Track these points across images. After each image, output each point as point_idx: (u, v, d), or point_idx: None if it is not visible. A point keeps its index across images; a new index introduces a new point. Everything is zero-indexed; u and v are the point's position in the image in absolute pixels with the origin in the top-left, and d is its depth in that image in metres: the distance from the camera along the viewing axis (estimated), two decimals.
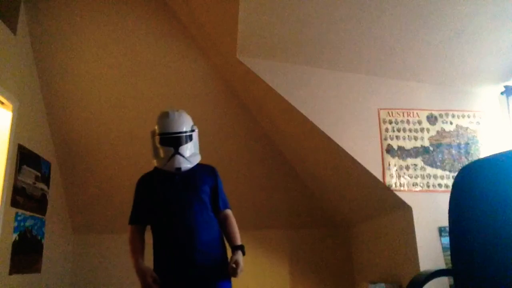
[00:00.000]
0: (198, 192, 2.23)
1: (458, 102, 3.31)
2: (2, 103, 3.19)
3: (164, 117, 2.29)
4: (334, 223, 4.49)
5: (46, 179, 3.81)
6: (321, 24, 2.84)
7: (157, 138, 2.28)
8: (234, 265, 2.09)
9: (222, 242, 2.28)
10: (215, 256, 2.20)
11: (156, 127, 2.30)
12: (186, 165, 2.24)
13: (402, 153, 3.17)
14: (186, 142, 2.26)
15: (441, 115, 3.27)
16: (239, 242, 2.22)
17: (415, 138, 3.21)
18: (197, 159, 2.32)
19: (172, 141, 2.24)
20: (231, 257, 2.15)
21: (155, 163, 2.32)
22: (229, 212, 2.34)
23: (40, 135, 3.81)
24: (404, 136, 3.21)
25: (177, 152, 2.23)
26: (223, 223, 2.29)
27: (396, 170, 3.13)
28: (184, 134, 2.26)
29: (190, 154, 2.27)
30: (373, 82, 3.32)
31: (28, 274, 3.45)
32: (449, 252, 2.59)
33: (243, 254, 2.18)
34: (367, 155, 3.15)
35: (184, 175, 2.26)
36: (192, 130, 2.32)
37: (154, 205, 2.24)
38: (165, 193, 2.23)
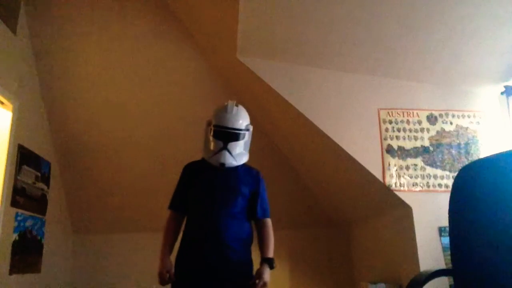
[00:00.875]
0: (235, 194, 2.18)
1: (458, 102, 3.31)
2: (2, 103, 3.19)
3: (223, 109, 2.22)
4: (334, 223, 4.49)
5: (46, 179, 3.81)
6: (321, 24, 2.84)
7: (211, 129, 2.22)
8: (257, 281, 2.02)
9: (249, 248, 2.20)
10: (240, 257, 2.13)
11: (212, 118, 2.23)
12: (231, 162, 2.18)
13: (402, 153, 3.16)
14: (237, 139, 2.19)
15: (441, 115, 3.27)
16: (270, 254, 2.14)
17: (415, 138, 3.21)
18: (244, 159, 2.26)
19: (224, 136, 2.17)
20: (257, 270, 2.08)
21: (202, 153, 2.28)
22: (268, 221, 2.25)
23: (40, 135, 3.81)
24: (404, 136, 3.21)
25: (225, 147, 2.17)
26: (260, 231, 2.23)
27: (396, 170, 3.13)
28: (238, 132, 2.19)
29: (238, 152, 2.21)
30: (373, 82, 3.32)
31: (28, 274, 3.45)
32: (449, 252, 2.59)
33: (271, 267, 2.10)
34: (367, 155, 3.15)
35: (227, 173, 2.21)
36: (247, 129, 2.24)
37: (191, 194, 2.22)
38: (204, 187, 2.20)
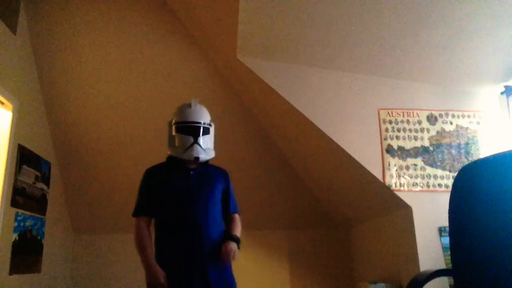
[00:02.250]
0: (213, 189, 2.23)
1: (458, 102, 3.31)
2: (2, 103, 3.19)
3: (186, 106, 2.30)
4: (334, 223, 4.49)
5: (46, 179, 3.81)
6: (321, 24, 2.84)
7: (175, 126, 2.27)
8: (223, 249, 2.10)
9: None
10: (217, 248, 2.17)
11: (174, 117, 2.30)
12: (204, 156, 2.23)
13: (402, 153, 3.17)
14: (205, 134, 2.26)
15: (441, 115, 3.27)
16: (237, 233, 2.24)
17: (415, 138, 3.21)
18: (212, 154, 2.31)
19: (192, 130, 2.23)
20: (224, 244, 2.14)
21: (170, 152, 2.29)
22: (237, 216, 2.35)
23: (40, 135, 3.81)
24: (404, 136, 3.21)
25: (196, 141, 2.22)
26: (229, 224, 2.29)
27: (396, 170, 3.13)
28: (204, 126, 2.26)
29: (207, 147, 2.26)
30: (373, 82, 3.32)
31: (28, 274, 3.45)
32: (449, 252, 2.60)
33: (238, 247, 2.17)
34: (367, 155, 3.15)
35: (199, 171, 2.26)
36: (210, 125, 2.31)
37: (165, 196, 2.20)
38: (179, 185, 2.21)
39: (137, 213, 2.23)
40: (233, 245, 2.14)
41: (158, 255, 2.17)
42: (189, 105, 2.29)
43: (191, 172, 2.24)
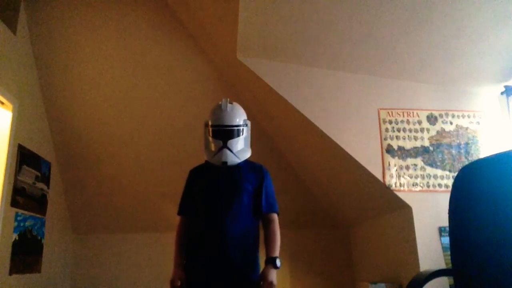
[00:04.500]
0: (239, 191, 2.15)
1: (458, 102, 3.31)
2: (2, 103, 3.19)
3: (217, 108, 2.21)
4: (334, 223, 4.49)
5: (46, 179, 3.81)
6: (321, 24, 2.84)
7: (208, 129, 2.21)
8: (262, 283, 2.00)
9: (257, 246, 2.18)
10: (247, 257, 2.11)
11: (209, 119, 2.22)
12: (233, 160, 2.17)
13: (402, 153, 3.17)
14: (236, 136, 2.18)
15: (441, 115, 3.27)
16: (274, 253, 2.08)
17: (415, 138, 3.21)
18: (246, 155, 2.24)
19: (222, 134, 2.16)
20: (262, 271, 2.04)
21: (205, 155, 2.26)
22: (274, 217, 2.21)
23: (40, 135, 3.81)
24: (404, 136, 3.21)
25: (225, 145, 2.15)
26: (265, 227, 2.19)
27: (396, 170, 3.13)
28: (235, 128, 2.18)
29: (239, 149, 2.19)
30: (373, 82, 3.32)
31: (28, 274, 3.45)
32: (449, 252, 2.60)
33: (275, 267, 2.03)
34: (367, 155, 3.15)
35: (229, 171, 2.19)
36: (245, 125, 2.23)
37: (196, 197, 2.20)
38: (207, 187, 2.18)
39: (178, 212, 2.28)
40: (271, 275, 2.00)
41: (187, 254, 2.18)
42: (220, 106, 2.21)
43: (220, 174, 2.19)
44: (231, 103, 2.24)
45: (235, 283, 2.06)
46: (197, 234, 2.16)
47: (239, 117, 2.22)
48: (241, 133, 2.20)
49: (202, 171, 2.28)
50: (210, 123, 2.21)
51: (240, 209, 2.13)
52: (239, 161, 2.20)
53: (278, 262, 2.04)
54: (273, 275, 2.01)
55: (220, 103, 2.23)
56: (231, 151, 2.16)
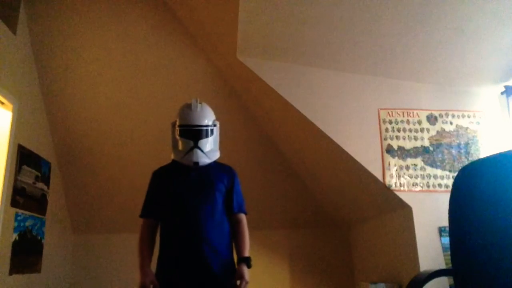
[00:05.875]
0: (212, 190, 2.17)
1: (458, 102, 3.31)
2: (2, 103, 3.19)
3: (186, 108, 2.22)
4: (334, 223, 4.49)
5: (46, 179, 3.81)
6: (321, 24, 2.83)
7: (177, 129, 2.22)
8: (238, 282, 2.03)
9: (231, 246, 2.21)
10: (222, 257, 2.13)
11: (177, 118, 2.24)
12: (204, 160, 2.17)
13: (402, 153, 3.17)
14: (207, 136, 2.19)
15: (441, 115, 3.27)
16: (246, 253, 2.14)
17: (415, 138, 3.21)
18: (216, 156, 2.25)
19: (192, 134, 2.17)
20: (237, 270, 2.08)
21: (173, 155, 2.26)
22: (242, 216, 2.24)
23: (40, 135, 3.81)
24: (404, 136, 3.21)
25: (196, 145, 2.16)
26: (234, 227, 2.21)
27: (396, 170, 3.13)
28: (205, 128, 2.19)
29: (209, 149, 2.20)
30: (373, 82, 3.32)
31: (28, 274, 3.45)
32: (449, 252, 2.59)
33: (248, 267, 2.09)
34: (367, 155, 3.15)
35: (200, 171, 2.20)
36: (214, 125, 2.25)
37: (166, 199, 2.19)
38: (179, 187, 2.18)
39: (142, 214, 2.25)
40: (247, 274, 2.05)
41: (160, 256, 2.17)
42: (190, 106, 2.22)
43: (191, 173, 2.20)
44: (200, 103, 2.25)
45: (211, 282, 2.07)
46: (169, 235, 2.15)
47: (208, 117, 2.23)
48: (210, 134, 2.21)
49: (169, 171, 2.27)
50: (179, 122, 2.21)
51: (214, 208, 2.15)
52: (210, 161, 2.21)
53: (251, 262, 2.10)
54: (248, 274, 2.07)
55: (189, 103, 2.24)
56: (202, 151, 2.17)
